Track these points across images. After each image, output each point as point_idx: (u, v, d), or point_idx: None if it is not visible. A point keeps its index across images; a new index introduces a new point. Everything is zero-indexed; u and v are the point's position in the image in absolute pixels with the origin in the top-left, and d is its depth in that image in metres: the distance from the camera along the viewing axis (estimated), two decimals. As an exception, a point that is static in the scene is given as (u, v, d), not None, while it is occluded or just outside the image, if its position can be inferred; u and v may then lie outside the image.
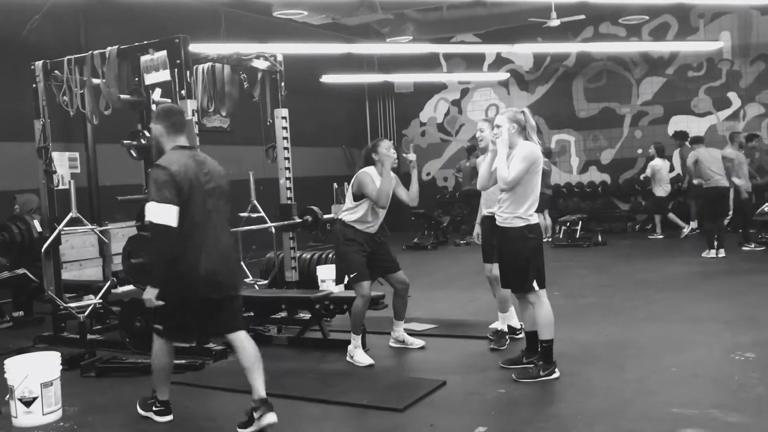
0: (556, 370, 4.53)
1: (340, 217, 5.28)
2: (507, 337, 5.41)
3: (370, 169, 5.20)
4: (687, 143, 11.45)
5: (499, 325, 5.52)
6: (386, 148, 5.21)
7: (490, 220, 5.36)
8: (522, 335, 5.31)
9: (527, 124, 4.62)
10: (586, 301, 7.03)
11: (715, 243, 9.32)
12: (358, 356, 5.13)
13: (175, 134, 4.06)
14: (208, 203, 3.98)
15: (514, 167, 4.46)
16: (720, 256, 9.23)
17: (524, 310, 4.77)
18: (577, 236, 11.53)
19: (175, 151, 3.98)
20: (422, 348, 5.43)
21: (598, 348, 5.24)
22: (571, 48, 13.52)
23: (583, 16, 11.36)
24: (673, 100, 13.23)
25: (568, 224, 11.66)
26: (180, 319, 4.04)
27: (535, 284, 4.55)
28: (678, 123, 13.10)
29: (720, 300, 6.77)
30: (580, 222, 11.70)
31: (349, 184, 5.33)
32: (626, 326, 5.89)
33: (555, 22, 10.15)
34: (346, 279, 5.19)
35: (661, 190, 11.60)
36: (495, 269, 5.36)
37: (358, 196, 5.15)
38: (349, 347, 5.20)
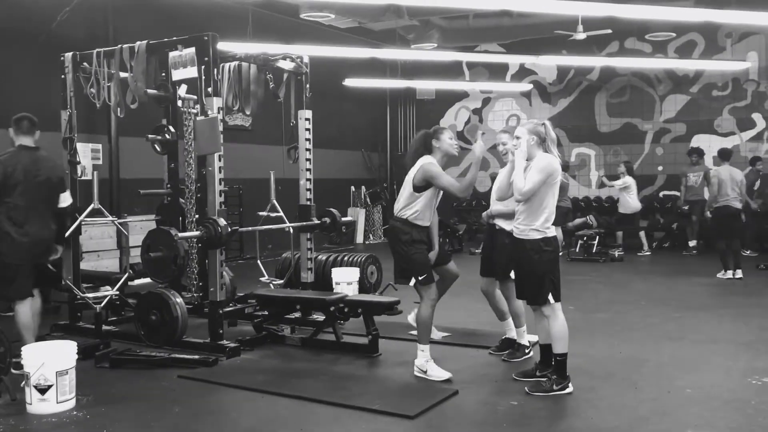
0: (570, 384, 4.50)
1: (398, 214, 4.93)
2: (526, 350, 5.37)
3: (433, 159, 4.92)
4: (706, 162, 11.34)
5: (511, 334, 5.51)
6: (450, 137, 5.02)
7: (490, 228, 5.45)
8: (530, 353, 5.35)
9: (547, 136, 4.60)
10: (601, 317, 6.98)
11: (731, 264, 9.22)
12: (434, 370, 4.80)
13: (21, 136, 5.23)
14: (36, 192, 5.10)
15: (530, 179, 4.46)
16: (737, 277, 9.14)
17: (539, 322, 4.74)
18: (594, 251, 11.47)
19: (16, 149, 5.17)
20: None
21: (613, 365, 5.20)
22: (596, 62, 13.46)
23: (609, 31, 11.31)
24: (697, 118, 13.13)
25: (585, 238, 11.59)
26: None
27: (550, 297, 4.53)
28: (700, 142, 13.00)
29: (738, 321, 6.69)
30: (597, 237, 11.63)
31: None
32: (642, 344, 5.84)
33: (581, 36, 10.12)
34: (413, 281, 4.86)
35: (629, 207, 11.69)
36: (491, 284, 5.43)
37: (422, 189, 4.85)
38: (419, 361, 4.86)
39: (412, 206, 4.88)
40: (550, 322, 4.56)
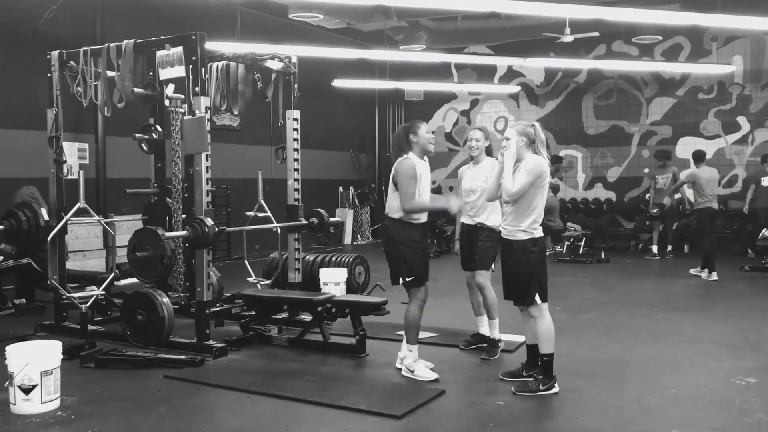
0: (556, 384, 4.53)
1: (390, 214, 4.86)
2: (499, 345, 5.45)
3: (413, 157, 4.79)
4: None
5: (483, 330, 5.56)
6: (427, 131, 4.88)
7: (468, 228, 5.48)
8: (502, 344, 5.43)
9: (537, 138, 4.62)
10: (587, 318, 7.02)
11: (706, 264, 9.38)
12: (422, 371, 4.79)
13: None
14: None
15: (518, 180, 4.48)
16: (711, 279, 9.21)
17: (526, 323, 4.76)
18: (580, 252, 11.53)
19: None
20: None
21: (599, 365, 5.23)
22: (583, 64, 13.54)
23: (596, 34, 11.38)
24: (683, 121, 13.24)
25: (571, 240, 11.65)
26: None
27: (537, 298, 4.55)
28: (686, 144, 13.11)
29: (722, 322, 6.75)
30: (584, 238, 11.70)
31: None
32: (627, 344, 5.88)
33: (568, 38, 10.16)
34: (401, 281, 4.83)
35: (556, 223, 11.69)
36: (478, 276, 5.42)
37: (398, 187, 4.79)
38: (407, 361, 4.83)
39: (399, 204, 4.82)
40: (537, 323, 4.58)
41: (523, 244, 4.53)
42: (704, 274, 9.38)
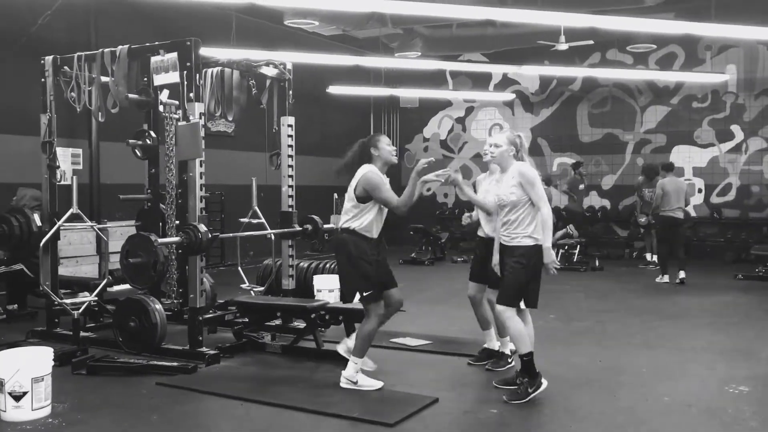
0: (543, 380, 4.52)
1: (346, 226, 4.76)
2: (509, 359, 5.35)
3: (375, 168, 4.74)
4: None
5: (491, 344, 5.49)
6: (387, 143, 4.85)
7: (484, 242, 5.33)
8: (512, 362, 5.32)
9: (521, 148, 4.71)
10: (581, 325, 7.01)
11: (668, 269, 9.81)
12: (366, 381, 4.73)
13: None
14: None
15: (537, 194, 4.54)
16: (676, 282, 9.64)
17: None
18: (575, 260, 11.54)
19: None
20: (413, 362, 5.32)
21: (592, 373, 5.22)
22: (578, 72, 13.60)
23: (591, 42, 11.42)
24: (677, 129, 13.29)
25: (566, 247, 11.67)
26: None
27: (521, 303, 4.62)
28: (680, 153, 13.17)
29: (715, 331, 6.76)
30: (578, 246, 11.71)
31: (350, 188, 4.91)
32: (621, 352, 5.87)
33: (563, 46, 10.20)
34: (358, 296, 4.74)
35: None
36: (485, 291, 5.32)
37: (365, 199, 4.69)
38: (348, 373, 4.72)
39: (359, 217, 4.71)
40: (507, 324, 4.58)
41: (528, 250, 4.54)
42: (663, 278, 9.86)
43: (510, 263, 4.58)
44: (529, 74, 14.04)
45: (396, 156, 4.94)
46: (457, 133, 15.32)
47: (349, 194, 4.79)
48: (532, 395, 4.46)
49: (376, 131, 16.03)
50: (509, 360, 5.35)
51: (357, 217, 4.74)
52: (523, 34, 11.75)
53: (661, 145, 13.39)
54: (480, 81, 14.88)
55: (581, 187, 12.54)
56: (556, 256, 11.76)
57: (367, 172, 4.71)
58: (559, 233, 12.02)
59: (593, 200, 14.06)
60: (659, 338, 6.42)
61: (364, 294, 4.69)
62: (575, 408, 4.43)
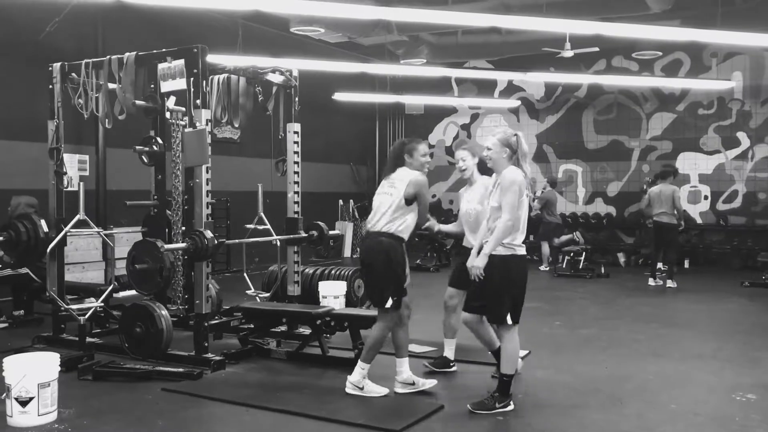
0: (512, 403, 4.46)
1: (384, 230, 4.65)
2: (451, 364, 5.36)
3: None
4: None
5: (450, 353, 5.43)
6: (424, 153, 4.77)
7: (467, 251, 4.96)
8: (455, 367, 5.36)
9: (519, 149, 4.41)
10: (587, 333, 6.99)
11: (658, 273, 10.27)
12: (372, 387, 4.69)
13: None
14: None
15: (505, 202, 4.28)
16: (657, 283, 10.15)
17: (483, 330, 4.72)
18: (580, 267, 11.52)
19: None
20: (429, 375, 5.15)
21: (598, 380, 5.20)
22: (583, 79, 13.60)
23: (596, 49, 11.42)
24: (682, 136, 13.27)
25: (571, 254, 11.65)
26: None
27: (508, 318, 4.39)
28: (686, 160, 13.14)
29: (723, 338, 6.73)
30: (584, 253, 11.69)
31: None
32: (627, 360, 5.85)
33: (568, 53, 10.20)
34: (390, 302, 4.61)
35: (554, 218, 11.90)
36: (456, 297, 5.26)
37: (411, 201, 4.63)
38: (355, 378, 4.68)
39: (400, 220, 4.64)
40: (504, 343, 4.47)
41: (502, 260, 4.33)
42: (655, 281, 10.26)
43: (488, 276, 4.34)
44: (535, 81, 14.05)
45: (429, 167, 4.89)
46: (462, 140, 15.32)
47: (393, 196, 4.66)
48: (498, 411, 4.38)
49: (381, 138, 16.06)
50: (451, 365, 5.38)
51: (397, 220, 4.65)
52: (528, 41, 11.78)
53: (667, 152, 13.37)
54: (485, 88, 14.89)
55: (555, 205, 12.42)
56: (562, 262, 11.89)
57: (418, 174, 4.70)
58: (564, 238, 12.02)
59: (599, 207, 14.04)
60: (665, 346, 6.39)
61: (394, 299, 4.61)
62: (581, 415, 4.41)
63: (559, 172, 14.31)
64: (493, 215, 4.39)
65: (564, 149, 14.31)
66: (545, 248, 12.02)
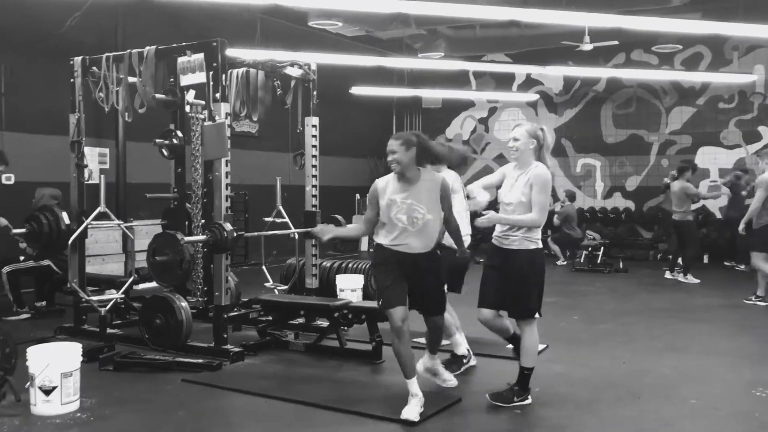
0: (530, 397, 4.47)
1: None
2: (464, 360, 5.26)
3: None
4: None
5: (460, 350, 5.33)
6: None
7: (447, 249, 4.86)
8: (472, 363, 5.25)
9: (544, 143, 4.39)
10: (605, 328, 6.96)
11: (676, 268, 10.31)
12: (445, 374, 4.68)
13: None
14: None
15: (537, 200, 4.25)
16: (679, 279, 10.11)
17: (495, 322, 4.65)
18: (598, 261, 11.46)
19: None
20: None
21: (616, 375, 5.19)
22: (602, 73, 13.50)
23: (616, 42, 11.34)
24: (702, 130, 13.14)
25: (589, 249, 11.60)
26: None
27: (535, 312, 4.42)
28: (705, 154, 13.02)
29: (742, 334, 6.68)
30: (602, 248, 11.63)
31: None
32: (645, 355, 5.83)
33: (588, 47, 10.14)
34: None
35: (574, 231, 11.85)
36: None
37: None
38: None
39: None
40: (525, 336, 4.45)
41: (530, 254, 4.33)
42: (673, 275, 10.34)
43: (513, 271, 4.34)
44: (553, 75, 13.97)
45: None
46: (480, 134, 15.28)
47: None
48: (516, 404, 4.39)
49: (398, 132, 16.03)
50: (464, 361, 5.27)
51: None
52: (547, 35, 11.71)
53: (687, 146, 13.25)
54: (503, 81, 14.83)
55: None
56: (580, 257, 11.83)
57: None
58: (583, 245, 12.01)
59: (617, 201, 13.95)
60: (684, 341, 6.36)
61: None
62: (599, 409, 4.40)
63: (577, 166, 14.23)
64: (518, 210, 4.33)
65: (582, 143, 14.23)
66: (554, 246, 12.00)
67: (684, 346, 6.13)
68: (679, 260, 10.35)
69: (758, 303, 8.14)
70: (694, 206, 10.78)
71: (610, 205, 13.96)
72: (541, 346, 5.37)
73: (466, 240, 4.89)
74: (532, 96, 14.47)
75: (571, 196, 12.34)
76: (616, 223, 13.72)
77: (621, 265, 11.43)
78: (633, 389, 4.83)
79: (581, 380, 4.99)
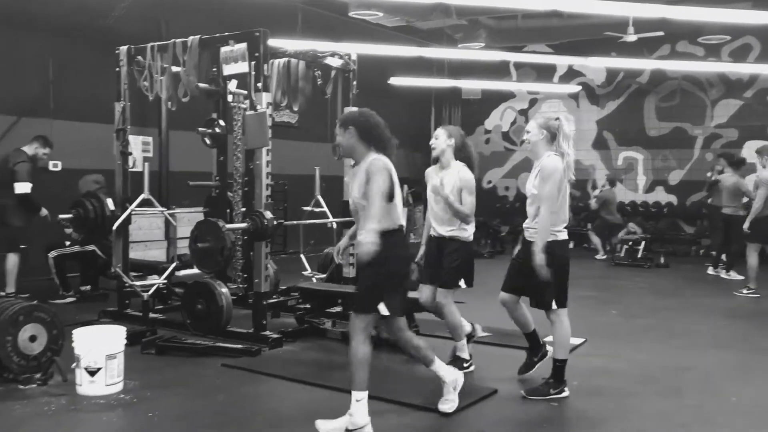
0: (566, 389, 4.44)
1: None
2: (464, 364, 4.99)
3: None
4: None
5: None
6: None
7: (436, 240, 4.97)
8: (471, 368, 5.02)
9: (560, 132, 4.31)
10: (645, 322, 6.87)
11: (720, 264, 10.12)
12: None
13: None
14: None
15: (542, 189, 4.27)
16: (722, 275, 9.92)
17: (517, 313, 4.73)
18: (639, 256, 11.30)
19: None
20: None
21: (656, 370, 5.12)
22: (646, 65, 13.24)
23: (661, 33, 11.11)
24: (749, 124, 12.82)
25: (630, 243, 11.44)
26: None
27: (554, 303, 4.36)
28: (752, 148, 12.63)
29: (786, 333, 6.54)
30: (643, 242, 11.46)
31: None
32: (686, 350, 5.74)
33: (632, 38, 9.96)
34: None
35: (613, 217, 11.75)
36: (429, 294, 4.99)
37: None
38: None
39: None
40: (554, 328, 4.43)
41: (548, 245, 4.27)
42: (716, 270, 10.16)
43: (531, 262, 4.30)
44: (596, 66, 13.76)
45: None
46: (520, 126, 15.13)
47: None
48: (552, 397, 4.37)
49: (437, 123, 15.99)
50: (465, 365, 4.98)
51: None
52: (589, 25, 11.53)
53: (732, 140, 12.94)
54: (544, 73, 14.66)
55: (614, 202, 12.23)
56: (620, 251, 11.68)
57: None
58: (620, 236, 11.86)
59: (659, 195, 13.71)
60: (727, 338, 6.24)
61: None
62: (639, 404, 4.36)
63: (619, 159, 14.02)
64: (533, 201, 4.38)
65: (624, 136, 14.00)
66: (595, 238, 11.87)
67: (727, 343, 6.03)
68: (723, 256, 10.14)
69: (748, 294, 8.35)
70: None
71: (651, 199, 13.73)
72: (579, 340, 5.35)
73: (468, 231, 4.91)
74: (573, 87, 14.28)
75: (612, 181, 12.18)
76: (658, 218, 13.50)
77: (662, 260, 11.24)
78: (673, 384, 4.77)
79: (620, 374, 4.94)
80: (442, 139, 4.92)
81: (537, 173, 4.37)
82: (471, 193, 4.76)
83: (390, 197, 3.78)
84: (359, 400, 3.78)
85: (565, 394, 4.43)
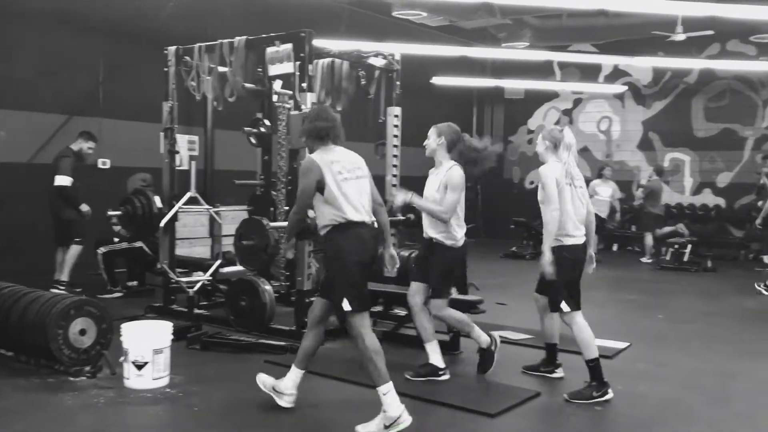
0: (610, 390, 4.39)
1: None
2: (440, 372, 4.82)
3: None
4: None
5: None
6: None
7: (427, 242, 4.97)
8: (446, 376, 4.84)
9: (562, 142, 4.61)
10: (691, 327, 6.74)
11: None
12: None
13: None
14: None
15: (540, 196, 4.67)
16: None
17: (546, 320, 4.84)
18: (685, 260, 11.07)
19: None
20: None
21: (702, 376, 5.02)
22: (695, 64, 12.96)
23: (710, 32, 10.87)
24: (803, 125, 12.47)
25: (676, 246, 11.22)
26: None
27: (563, 305, 4.47)
28: (805, 150, 12.35)
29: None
30: (689, 246, 11.23)
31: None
32: (734, 357, 5.61)
33: (680, 37, 9.77)
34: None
35: (656, 209, 11.50)
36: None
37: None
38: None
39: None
40: (573, 331, 4.50)
41: (556, 250, 4.52)
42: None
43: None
44: (642, 66, 13.52)
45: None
46: (564, 126, 14.97)
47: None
48: (596, 400, 4.32)
49: (479, 123, 15.91)
50: (439, 373, 4.82)
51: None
52: (636, 24, 11.33)
53: (785, 142, 12.60)
54: (589, 72, 14.45)
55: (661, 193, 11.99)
56: (666, 254, 11.44)
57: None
58: (667, 229, 11.60)
59: (706, 198, 13.41)
60: (777, 345, 6.09)
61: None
62: (685, 410, 4.28)
63: (665, 160, 13.75)
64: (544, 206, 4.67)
65: (671, 137, 13.73)
66: (648, 239, 11.64)
67: (776, 350, 5.88)
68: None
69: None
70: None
71: (698, 202, 13.44)
72: (623, 344, 5.28)
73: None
74: (619, 87, 14.06)
75: (660, 171, 11.93)
76: (705, 221, 13.20)
77: (709, 264, 11.00)
78: (721, 392, 4.68)
79: (665, 379, 4.86)
80: (432, 139, 5.00)
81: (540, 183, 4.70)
82: (454, 191, 4.72)
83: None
84: (386, 393, 3.84)
85: (609, 396, 4.37)
